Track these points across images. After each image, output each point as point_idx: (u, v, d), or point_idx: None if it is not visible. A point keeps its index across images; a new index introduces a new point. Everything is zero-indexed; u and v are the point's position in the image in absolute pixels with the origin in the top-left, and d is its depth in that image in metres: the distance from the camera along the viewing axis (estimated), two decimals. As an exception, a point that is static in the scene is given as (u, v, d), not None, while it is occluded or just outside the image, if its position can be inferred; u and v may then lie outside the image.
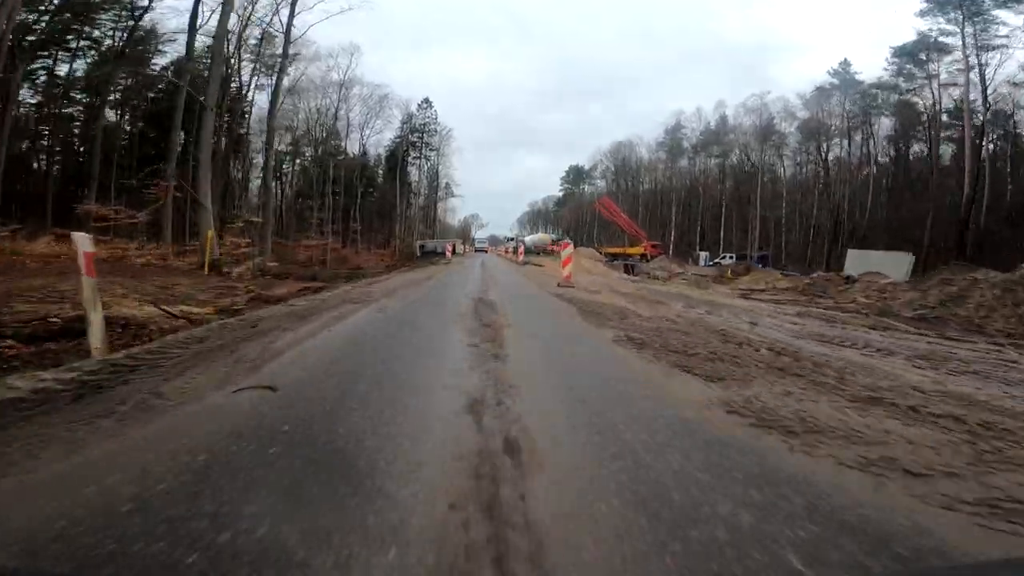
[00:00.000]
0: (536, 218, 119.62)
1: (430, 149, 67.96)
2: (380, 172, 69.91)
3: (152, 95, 46.07)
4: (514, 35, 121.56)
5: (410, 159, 67.19)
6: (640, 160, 65.81)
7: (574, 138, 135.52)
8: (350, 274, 21.46)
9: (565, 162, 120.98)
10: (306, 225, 49.52)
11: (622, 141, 68.73)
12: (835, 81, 46.20)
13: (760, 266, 47.24)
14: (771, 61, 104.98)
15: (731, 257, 50.59)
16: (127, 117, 45.58)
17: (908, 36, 44.09)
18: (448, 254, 28.81)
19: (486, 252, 59.56)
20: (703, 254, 51.59)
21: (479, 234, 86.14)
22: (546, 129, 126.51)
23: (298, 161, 62.39)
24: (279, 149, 58.62)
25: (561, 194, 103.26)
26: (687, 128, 62.22)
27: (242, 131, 54.56)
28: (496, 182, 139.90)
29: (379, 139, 65.81)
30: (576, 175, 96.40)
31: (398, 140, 65.25)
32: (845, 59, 45.85)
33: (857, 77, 44.81)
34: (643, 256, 50.68)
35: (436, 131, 67.63)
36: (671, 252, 55.79)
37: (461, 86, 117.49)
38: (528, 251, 51.66)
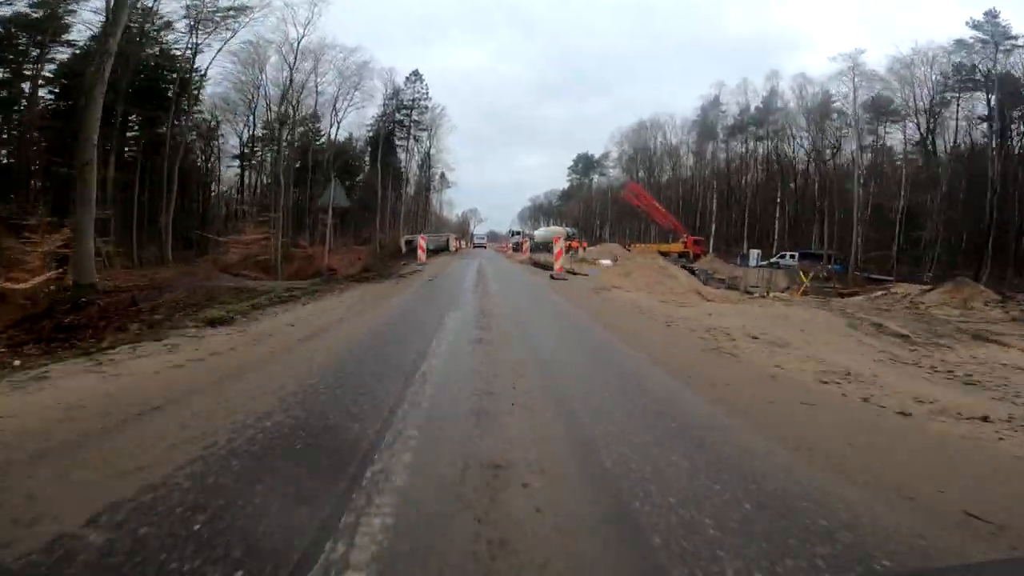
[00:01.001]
0: (537, 213, 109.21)
1: (420, 128, 56.97)
2: (366, 159, 59.17)
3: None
4: (511, 28, 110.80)
5: (396, 139, 56.22)
6: (668, 143, 54.90)
7: (573, 134, 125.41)
8: (211, 298, 10.67)
9: (563, 157, 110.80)
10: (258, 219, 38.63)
11: (644, 121, 57.79)
12: (979, 35, 34.60)
13: (841, 270, 36.58)
14: (774, 58, 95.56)
15: (792, 257, 39.88)
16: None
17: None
18: (421, 255, 15.84)
19: (485, 248, 53.35)
20: (754, 252, 40.81)
21: (478, 229, 78.09)
22: (544, 124, 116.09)
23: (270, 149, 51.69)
24: (251, 135, 47.89)
25: (567, 185, 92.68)
26: (726, 104, 51.34)
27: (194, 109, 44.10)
28: (494, 178, 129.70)
29: (360, 116, 54.92)
30: (586, 165, 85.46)
31: (381, 118, 54.27)
32: (992, 9, 34.37)
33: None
34: (683, 255, 40.10)
35: (427, 108, 56.66)
36: (710, 249, 45.10)
37: (457, 80, 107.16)
38: (535, 247, 40.92)
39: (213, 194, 49.60)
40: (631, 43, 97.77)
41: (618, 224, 76.19)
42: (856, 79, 37.88)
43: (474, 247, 55.38)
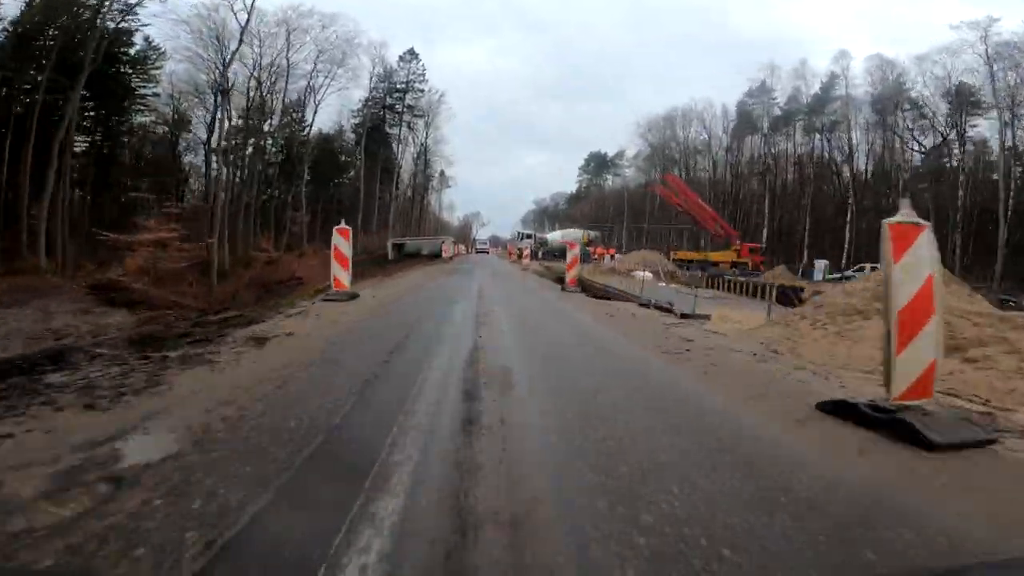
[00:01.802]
0: (541, 216, 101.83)
1: (415, 115, 48.65)
2: (359, 156, 50.98)
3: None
4: (514, 27, 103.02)
5: (388, 126, 47.90)
6: (707, 133, 46.48)
7: (576, 135, 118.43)
8: None
9: (566, 159, 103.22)
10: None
11: (676, 109, 49.42)
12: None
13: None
14: (783, 58, 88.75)
15: (874, 269, 31.55)
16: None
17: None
18: (339, 277, 6.46)
19: (488, 254, 48.99)
20: (820, 263, 32.47)
21: (480, 234, 72.64)
22: (545, 124, 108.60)
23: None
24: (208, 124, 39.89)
25: (577, 187, 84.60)
26: (778, 90, 43.14)
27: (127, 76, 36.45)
28: (495, 181, 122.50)
29: (346, 99, 46.76)
30: (598, 164, 77.36)
31: (368, 102, 45.92)
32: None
33: None
34: (735, 264, 31.84)
35: (424, 92, 48.35)
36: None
37: (454, 77, 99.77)
38: (548, 253, 32.65)
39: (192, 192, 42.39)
40: (636, 43, 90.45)
41: (636, 228, 68.17)
42: (990, 51, 29.34)
43: (476, 252, 50.63)
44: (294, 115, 46.71)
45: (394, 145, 48.44)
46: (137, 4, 24.63)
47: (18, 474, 1.67)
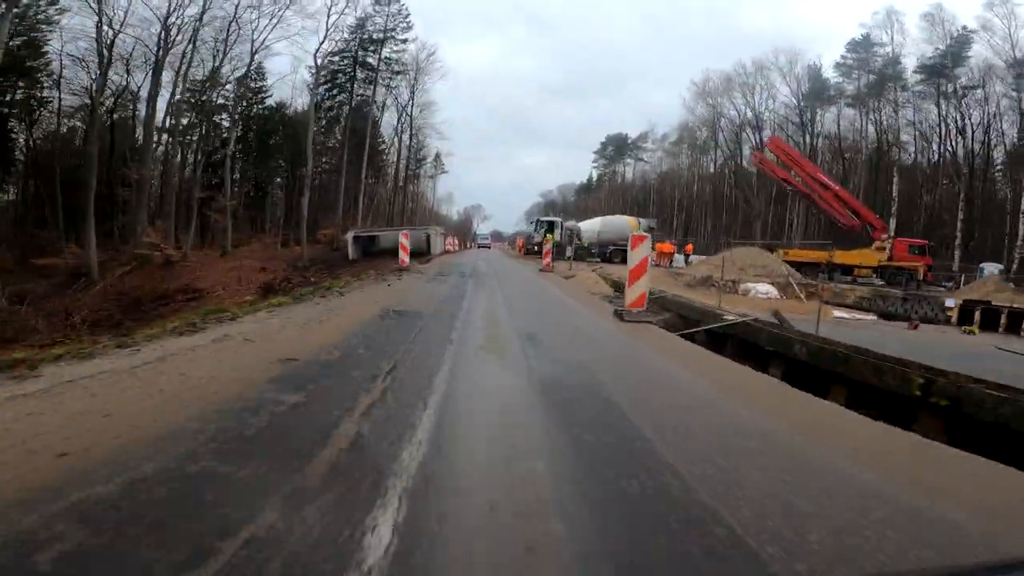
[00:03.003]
0: (547, 210, 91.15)
1: (395, 71, 36.85)
2: (337, 134, 39.50)
3: None
4: (519, 25, 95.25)
5: (359, 84, 36.18)
6: (789, 93, 35.01)
7: (577, 133, 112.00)
8: None
9: (566, 156, 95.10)
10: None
11: (739, 67, 37.93)
12: None
13: None
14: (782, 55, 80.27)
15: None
16: None
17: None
18: None
19: (489, 248, 47.29)
20: (991, 267, 21.29)
21: (481, 228, 68.77)
22: (548, 122, 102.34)
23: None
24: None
25: (589, 175, 73.50)
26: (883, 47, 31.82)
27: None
28: (497, 178, 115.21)
29: (303, 49, 35.28)
30: (617, 147, 66.05)
31: (324, 54, 33.87)
32: None
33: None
34: (883, 271, 20.51)
35: (407, 44, 36.52)
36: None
37: (462, 79, 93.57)
38: (579, 251, 21.35)
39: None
40: (640, 41, 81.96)
41: (662, 219, 57.19)
42: None
43: (478, 247, 47.73)
44: (249, 84, 35.45)
45: (370, 110, 36.71)
46: None
47: None
